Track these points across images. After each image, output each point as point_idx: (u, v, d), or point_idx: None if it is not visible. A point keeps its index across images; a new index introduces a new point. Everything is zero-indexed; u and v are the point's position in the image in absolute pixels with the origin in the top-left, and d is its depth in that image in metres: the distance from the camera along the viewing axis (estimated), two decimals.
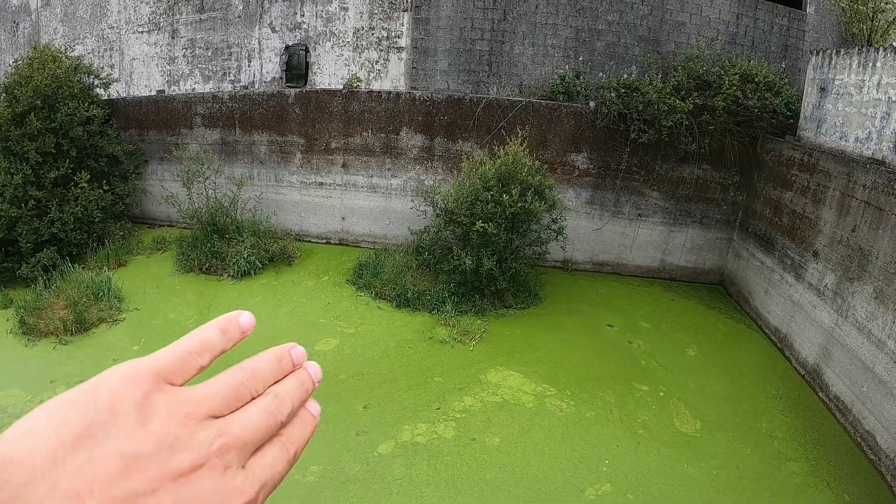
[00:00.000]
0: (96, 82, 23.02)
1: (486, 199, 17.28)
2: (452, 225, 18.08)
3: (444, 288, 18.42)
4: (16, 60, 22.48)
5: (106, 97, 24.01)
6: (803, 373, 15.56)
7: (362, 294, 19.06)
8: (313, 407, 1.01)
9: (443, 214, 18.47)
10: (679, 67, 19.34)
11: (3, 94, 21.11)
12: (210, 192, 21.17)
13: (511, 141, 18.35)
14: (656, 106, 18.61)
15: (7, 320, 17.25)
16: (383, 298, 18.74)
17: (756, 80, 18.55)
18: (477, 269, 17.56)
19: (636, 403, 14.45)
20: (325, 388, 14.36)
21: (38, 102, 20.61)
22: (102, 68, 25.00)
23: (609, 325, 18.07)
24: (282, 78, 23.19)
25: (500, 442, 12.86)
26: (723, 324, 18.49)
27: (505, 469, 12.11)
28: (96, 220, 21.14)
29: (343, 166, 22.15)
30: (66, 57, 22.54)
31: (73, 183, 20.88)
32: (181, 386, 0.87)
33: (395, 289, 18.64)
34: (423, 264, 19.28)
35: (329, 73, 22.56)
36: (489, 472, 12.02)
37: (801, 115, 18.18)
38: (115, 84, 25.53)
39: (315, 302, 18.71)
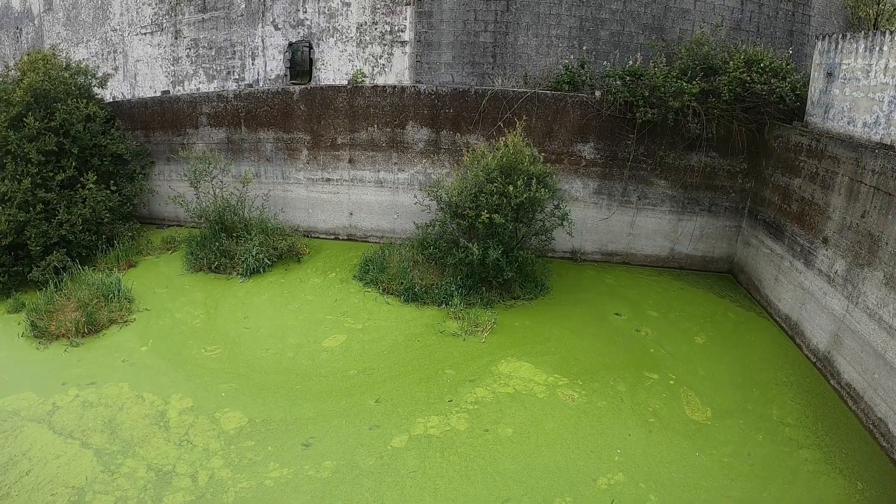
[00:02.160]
0: (93, 81, 23.06)
1: (490, 190, 17.32)
2: (458, 218, 18.10)
3: (451, 281, 18.45)
4: (6, 67, 22.56)
5: (110, 98, 24.09)
6: (814, 360, 15.52)
7: (370, 290, 19.10)
8: None
9: (447, 208, 18.48)
10: (683, 50, 19.27)
11: None
12: (217, 190, 21.22)
13: (509, 132, 18.44)
14: (662, 89, 18.54)
15: (18, 324, 17.38)
16: (391, 294, 18.78)
17: (761, 65, 18.45)
18: (483, 260, 17.59)
19: (646, 392, 14.46)
20: (334, 384, 14.51)
21: (31, 100, 20.71)
22: (101, 69, 25.05)
23: (616, 314, 18.06)
24: (286, 75, 23.22)
25: (513, 433, 12.90)
26: (732, 312, 18.43)
27: (518, 460, 12.15)
28: (104, 220, 21.22)
29: (349, 162, 22.18)
30: (56, 56, 22.61)
31: (79, 184, 20.96)
32: None
33: (402, 284, 18.68)
34: (429, 258, 19.30)
35: (333, 68, 22.56)
36: (502, 462, 12.06)
37: (809, 101, 18.06)
38: (119, 86, 25.65)
39: (322, 299, 18.75)
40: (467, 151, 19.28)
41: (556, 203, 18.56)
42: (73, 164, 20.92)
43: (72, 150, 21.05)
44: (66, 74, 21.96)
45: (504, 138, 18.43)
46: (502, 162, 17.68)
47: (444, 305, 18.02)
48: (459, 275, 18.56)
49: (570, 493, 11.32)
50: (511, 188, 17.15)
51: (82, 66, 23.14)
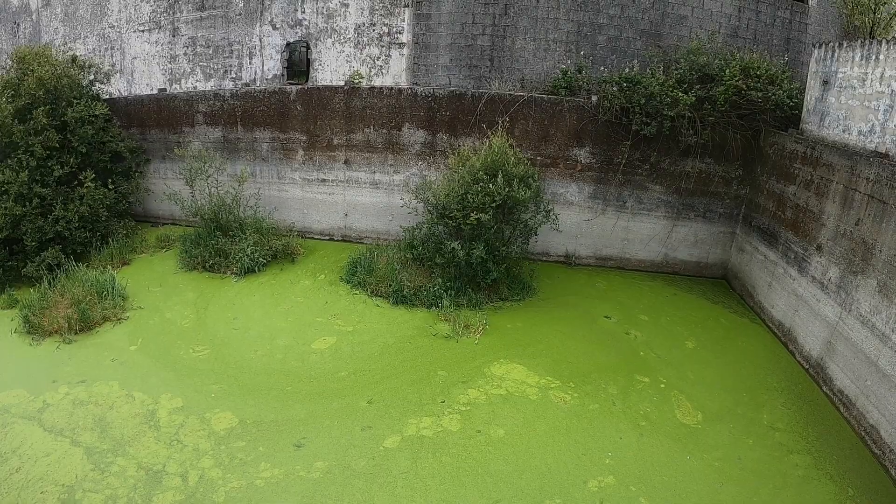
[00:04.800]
0: (98, 76, 23.07)
1: (475, 191, 17.39)
2: (445, 220, 18.12)
3: (440, 283, 18.45)
4: (9, 58, 22.44)
5: (107, 95, 24.04)
6: (807, 366, 15.54)
7: (358, 292, 19.04)
8: None
9: (434, 210, 18.49)
10: (681, 59, 19.30)
11: (5, 89, 21.13)
12: (213, 189, 21.17)
13: (502, 135, 18.60)
14: (658, 98, 18.58)
15: (11, 320, 17.30)
16: (379, 296, 18.73)
17: (757, 73, 18.50)
18: (469, 261, 17.63)
19: (638, 395, 14.48)
20: (326, 385, 14.52)
21: (41, 94, 20.67)
22: (103, 64, 25.04)
23: (606, 317, 18.10)
24: (283, 75, 23.20)
25: (505, 434, 12.90)
26: (725, 318, 18.45)
27: (509, 461, 12.14)
28: (101, 218, 21.20)
29: (345, 163, 22.16)
30: (59, 54, 22.57)
31: (77, 182, 20.94)
32: None
33: (390, 286, 18.64)
34: (416, 259, 19.28)
35: (331, 69, 22.55)
36: (494, 464, 12.05)
37: (804, 109, 18.13)
38: (116, 81, 25.58)
39: (312, 301, 18.69)
40: (454, 154, 19.33)
41: (537, 203, 18.63)
42: (73, 159, 20.90)
43: (80, 148, 21.07)
44: (73, 72, 21.97)
45: (488, 140, 18.57)
46: (487, 162, 17.76)
47: (433, 307, 18.02)
48: (447, 276, 18.57)
49: (561, 496, 11.32)
50: (492, 186, 17.25)
51: (86, 61, 23.15)
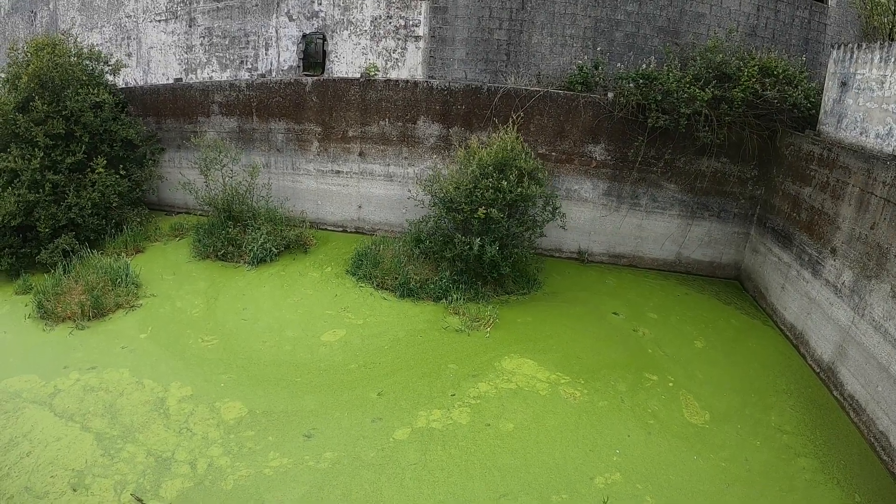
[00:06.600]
0: (105, 68, 23.17)
1: (485, 186, 17.39)
2: (453, 213, 18.13)
3: (446, 276, 18.48)
4: (14, 48, 22.46)
5: (123, 84, 24.14)
6: (818, 370, 15.46)
7: (364, 285, 19.10)
8: None
9: (442, 203, 18.51)
10: (697, 57, 19.18)
11: (5, 83, 21.33)
12: (227, 179, 21.26)
13: (502, 129, 18.75)
14: (675, 95, 18.47)
15: (25, 305, 17.48)
16: (385, 289, 18.79)
17: (775, 73, 18.37)
18: (480, 256, 17.64)
19: (646, 393, 14.46)
20: (335, 377, 14.59)
21: (37, 86, 20.82)
22: (115, 55, 25.12)
23: (615, 314, 18.07)
24: (299, 66, 23.23)
25: (514, 428, 12.94)
26: (736, 318, 18.36)
27: (517, 455, 12.18)
28: (113, 205, 21.34)
29: (360, 155, 22.19)
30: (69, 44, 22.56)
31: (89, 168, 21.07)
32: None
33: (397, 278, 18.69)
34: (423, 252, 19.31)
35: (346, 61, 22.57)
36: (502, 457, 12.10)
37: (822, 110, 17.97)
38: (132, 72, 25.71)
39: (322, 293, 18.76)
40: (462, 147, 19.33)
41: (545, 199, 18.66)
42: (83, 148, 21.03)
43: (83, 136, 21.16)
44: (75, 59, 22.03)
45: (497, 134, 18.60)
46: (497, 158, 17.75)
47: (440, 300, 18.06)
48: (454, 270, 18.59)
49: (567, 491, 11.34)
50: (505, 183, 17.26)
51: (94, 51, 23.23)
